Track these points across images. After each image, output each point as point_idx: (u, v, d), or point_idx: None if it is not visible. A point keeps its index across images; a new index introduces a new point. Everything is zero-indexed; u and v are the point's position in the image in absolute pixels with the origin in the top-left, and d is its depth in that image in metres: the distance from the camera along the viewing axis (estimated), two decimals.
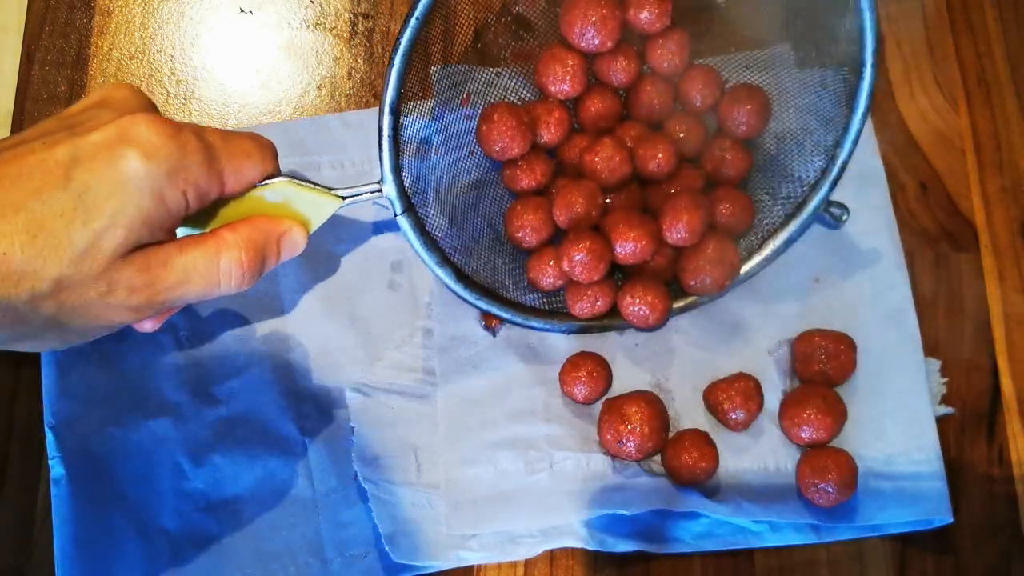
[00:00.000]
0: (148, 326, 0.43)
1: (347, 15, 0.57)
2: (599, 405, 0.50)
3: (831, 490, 0.46)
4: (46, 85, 0.57)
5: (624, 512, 0.46)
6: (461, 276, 0.49)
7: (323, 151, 0.54)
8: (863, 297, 0.52)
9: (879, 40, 0.45)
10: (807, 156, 0.51)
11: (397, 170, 0.46)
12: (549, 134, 0.51)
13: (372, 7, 0.57)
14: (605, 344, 0.51)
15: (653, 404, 0.48)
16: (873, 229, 0.53)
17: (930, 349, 0.51)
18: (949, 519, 0.48)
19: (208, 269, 0.40)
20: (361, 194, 0.45)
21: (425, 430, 0.50)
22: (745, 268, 0.51)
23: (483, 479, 0.49)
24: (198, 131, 0.39)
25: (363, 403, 0.50)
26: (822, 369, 0.49)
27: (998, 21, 0.59)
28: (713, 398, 0.49)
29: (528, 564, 0.48)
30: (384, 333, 0.51)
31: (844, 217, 0.51)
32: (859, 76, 0.47)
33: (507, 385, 0.50)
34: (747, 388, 0.49)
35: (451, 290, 0.49)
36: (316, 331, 0.52)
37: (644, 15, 0.49)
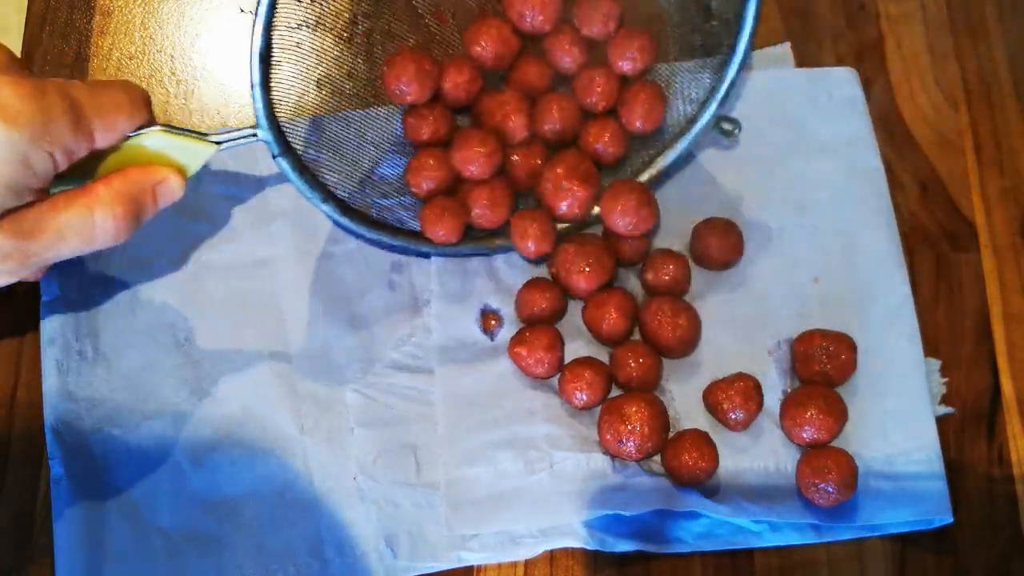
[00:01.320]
0: (29, 279, 0.43)
1: (347, 15, 0.57)
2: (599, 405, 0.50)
3: (831, 490, 0.46)
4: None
5: (624, 512, 0.46)
6: (347, 210, 0.50)
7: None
8: (863, 297, 0.52)
9: None
10: (697, 75, 0.52)
11: (271, 114, 0.46)
12: (455, 86, 0.51)
13: (372, 7, 0.57)
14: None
15: (653, 404, 0.48)
16: (873, 229, 0.53)
17: (930, 349, 0.51)
18: (949, 519, 0.48)
19: (82, 226, 0.40)
20: (235, 139, 0.46)
21: (425, 430, 0.50)
22: (643, 177, 0.53)
23: (483, 479, 0.49)
24: (63, 88, 0.38)
25: (363, 403, 0.50)
26: (822, 369, 0.49)
27: (998, 21, 0.59)
28: (713, 398, 0.49)
29: (528, 564, 0.48)
30: (384, 333, 0.51)
31: (736, 131, 0.52)
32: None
33: (506, 385, 0.50)
34: (747, 388, 0.49)
35: (337, 223, 0.50)
36: (316, 331, 0.52)
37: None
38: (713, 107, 0.52)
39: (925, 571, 0.48)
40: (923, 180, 0.56)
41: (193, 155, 0.45)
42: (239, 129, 0.46)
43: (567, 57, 0.51)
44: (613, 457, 0.49)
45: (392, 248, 0.52)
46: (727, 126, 0.53)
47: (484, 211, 0.50)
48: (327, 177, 0.50)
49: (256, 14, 0.44)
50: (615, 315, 0.49)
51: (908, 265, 0.53)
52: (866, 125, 0.55)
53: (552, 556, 0.48)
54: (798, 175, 0.54)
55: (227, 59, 0.57)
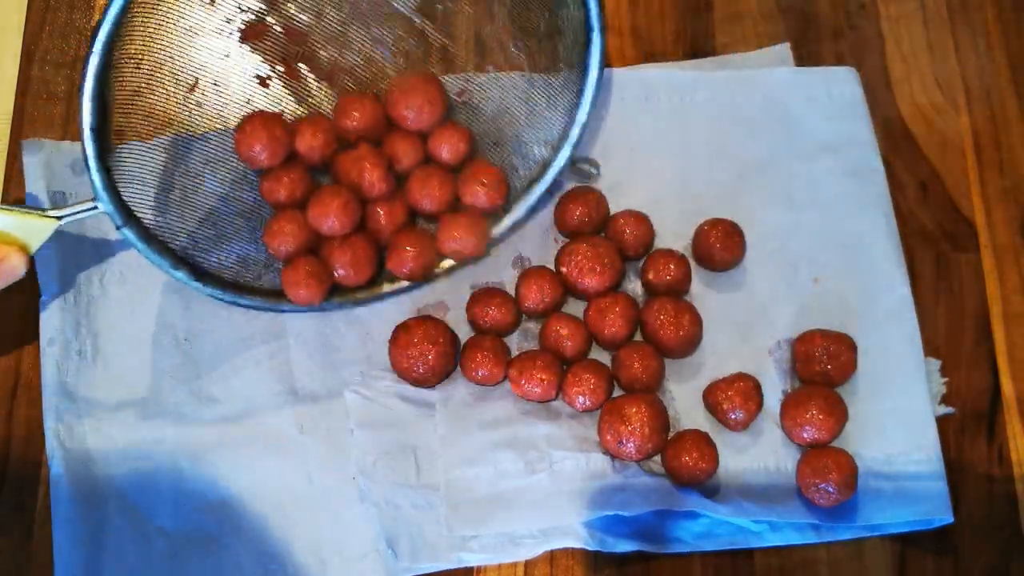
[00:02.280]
0: None
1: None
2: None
3: (831, 490, 0.46)
4: (46, 85, 0.57)
5: (624, 513, 0.46)
6: (201, 274, 0.49)
7: None
8: (863, 297, 0.52)
9: (603, 7, 0.46)
10: (548, 123, 0.52)
11: (111, 186, 0.45)
12: (310, 149, 0.50)
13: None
14: None
15: (653, 405, 0.48)
16: (873, 229, 0.53)
17: (930, 349, 0.51)
18: (949, 519, 0.48)
19: None
20: (76, 212, 0.45)
21: (424, 430, 0.50)
22: (498, 229, 0.52)
23: (483, 479, 0.49)
24: None
25: (362, 404, 0.50)
26: (822, 369, 0.49)
27: (998, 21, 0.59)
28: (713, 398, 0.49)
29: (528, 564, 0.48)
30: (383, 334, 0.51)
31: (594, 172, 0.53)
32: (588, 40, 0.48)
33: (505, 385, 0.50)
34: (747, 388, 0.49)
35: (192, 287, 0.49)
36: (315, 331, 0.52)
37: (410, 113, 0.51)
38: (567, 150, 0.52)
39: (925, 571, 0.48)
40: (923, 180, 0.56)
41: (34, 231, 0.45)
42: (80, 203, 0.45)
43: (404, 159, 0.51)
44: (613, 457, 0.49)
45: (252, 307, 0.51)
46: (584, 167, 0.53)
47: (347, 270, 0.49)
48: (181, 240, 0.49)
49: (82, 91, 0.43)
50: (620, 322, 0.49)
51: (908, 265, 0.53)
52: (866, 125, 0.55)
53: (552, 556, 0.48)
54: (798, 175, 0.54)
55: (226, 59, 0.57)
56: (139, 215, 0.47)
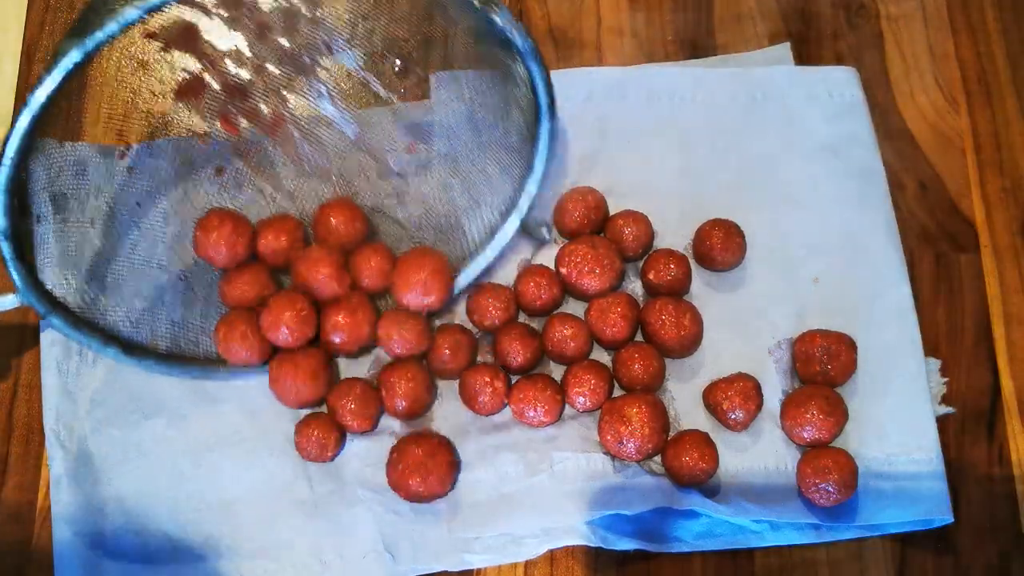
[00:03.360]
0: None
1: (347, 15, 0.56)
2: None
3: (832, 490, 0.46)
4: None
5: (625, 512, 0.46)
6: (132, 348, 0.49)
7: None
8: (863, 297, 0.52)
9: (551, 91, 0.46)
10: (498, 188, 0.51)
11: (32, 281, 0.45)
12: (273, 252, 0.50)
13: (372, 7, 0.57)
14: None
15: (654, 405, 0.48)
16: (873, 229, 0.53)
17: (930, 349, 0.51)
18: (949, 519, 0.48)
19: None
20: None
21: None
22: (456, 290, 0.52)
23: (484, 482, 0.49)
24: None
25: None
26: (823, 369, 0.49)
27: (998, 21, 0.59)
28: (713, 398, 0.49)
29: (528, 564, 0.48)
30: None
31: (547, 235, 0.52)
32: (538, 121, 0.47)
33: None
34: (747, 388, 0.49)
35: (125, 363, 0.48)
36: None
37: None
38: (514, 218, 0.51)
39: (925, 571, 0.48)
40: (923, 180, 0.56)
41: None
42: (1, 296, 0.45)
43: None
44: (613, 457, 0.49)
45: (191, 376, 0.50)
46: (535, 228, 0.52)
47: (300, 385, 0.48)
48: (117, 314, 0.49)
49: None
50: (621, 322, 0.49)
51: (908, 265, 0.53)
52: (866, 125, 0.55)
53: (552, 557, 0.48)
54: (798, 175, 0.54)
55: (226, 60, 0.57)
56: (64, 298, 0.47)
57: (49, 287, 0.46)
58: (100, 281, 0.48)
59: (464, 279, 0.52)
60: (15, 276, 0.44)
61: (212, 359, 0.51)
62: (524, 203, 0.51)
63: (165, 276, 0.50)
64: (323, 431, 0.48)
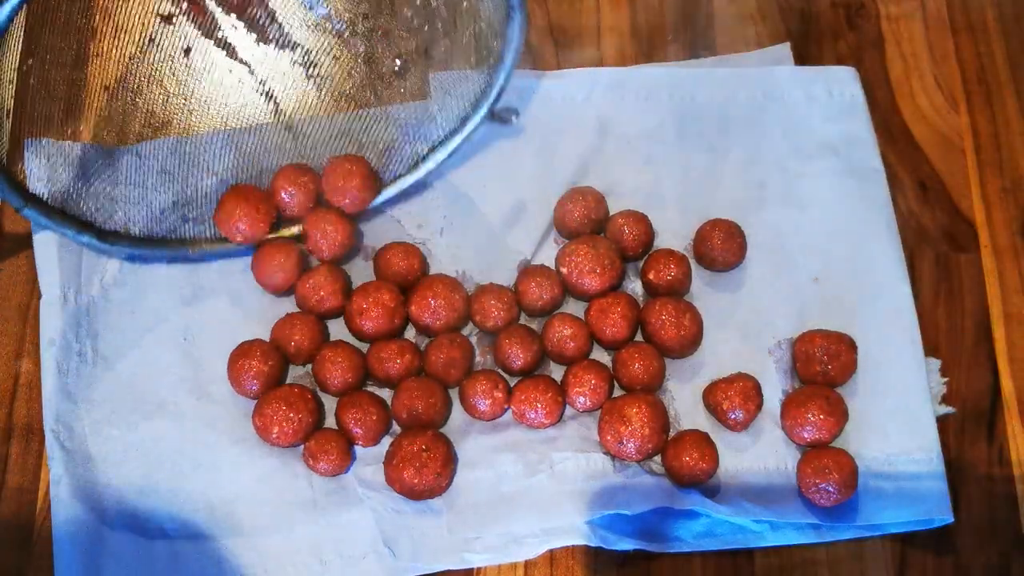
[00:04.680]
0: None
1: (347, 15, 0.56)
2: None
3: (832, 490, 0.46)
4: (46, 85, 0.57)
5: (626, 511, 0.46)
6: (105, 234, 0.50)
7: None
8: (863, 297, 0.52)
9: None
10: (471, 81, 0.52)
11: (7, 178, 0.46)
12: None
13: (372, 7, 0.57)
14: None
15: (654, 405, 0.48)
16: (873, 229, 0.53)
17: (930, 349, 0.51)
18: (949, 519, 0.48)
19: None
20: None
21: None
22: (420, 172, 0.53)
23: (483, 482, 0.49)
24: None
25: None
26: (823, 369, 0.49)
27: (998, 21, 0.59)
28: (713, 398, 0.49)
29: (528, 565, 0.48)
30: None
31: (512, 118, 0.52)
32: (508, 15, 0.48)
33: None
34: (747, 388, 0.49)
35: (100, 249, 0.50)
36: None
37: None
38: (484, 108, 0.52)
39: (925, 571, 0.48)
40: (923, 180, 0.56)
41: None
42: None
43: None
44: (613, 457, 0.49)
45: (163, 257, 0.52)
46: (504, 115, 0.52)
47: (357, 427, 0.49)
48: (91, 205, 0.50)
49: None
50: (621, 322, 0.49)
51: (908, 265, 0.53)
52: (866, 125, 0.55)
53: (552, 557, 0.48)
54: (798, 175, 0.54)
55: (226, 59, 0.57)
56: (39, 190, 0.48)
57: (24, 178, 0.48)
58: (77, 169, 0.50)
59: (433, 162, 0.53)
60: None
61: (187, 240, 0.52)
62: (492, 92, 0.51)
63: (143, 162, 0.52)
64: (338, 453, 0.48)
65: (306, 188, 0.51)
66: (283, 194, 0.51)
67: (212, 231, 0.52)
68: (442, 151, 0.53)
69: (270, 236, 0.52)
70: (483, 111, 0.52)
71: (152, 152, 0.52)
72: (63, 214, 0.49)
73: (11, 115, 0.45)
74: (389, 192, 0.53)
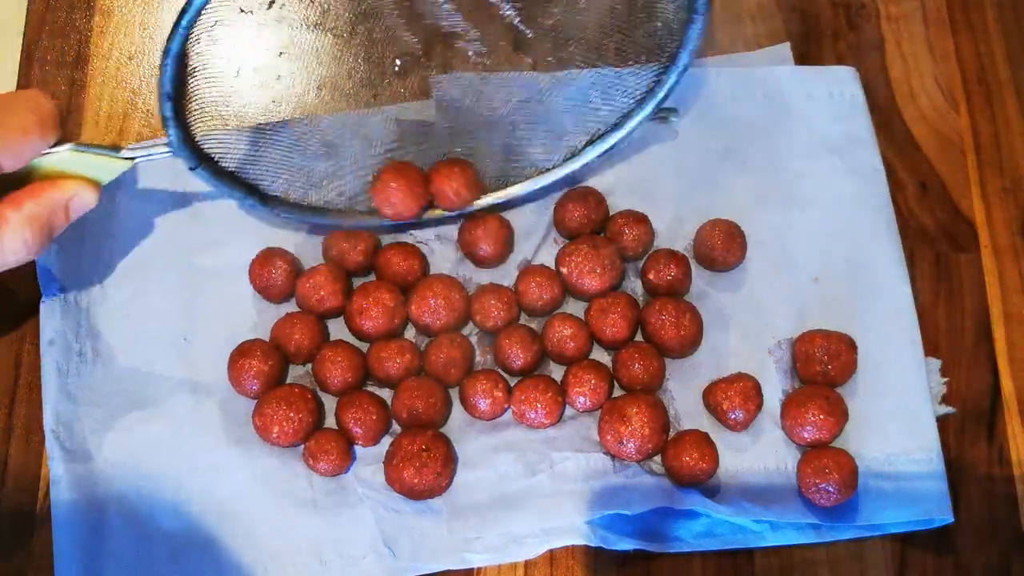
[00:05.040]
0: None
1: (347, 15, 0.56)
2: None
3: (832, 490, 0.46)
4: (46, 85, 0.57)
5: (626, 511, 0.46)
6: (268, 199, 0.51)
7: None
8: (863, 297, 0.52)
9: None
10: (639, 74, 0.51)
11: (186, 135, 0.46)
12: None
13: (372, 7, 0.57)
14: None
15: (654, 405, 0.48)
16: (873, 229, 0.53)
17: (930, 349, 0.51)
18: (950, 519, 0.48)
19: None
20: (151, 155, 0.46)
21: None
22: (576, 166, 0.52)
23: (483, 482, 0.49)
24: None
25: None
26: (823, 369, 0.49)
27: (998, 21, 0.59)
28: (713, 398, 0.49)
29: (528, 565, 0.48)
30: None
31: (671, 117, 0.52)
32: (690, 16, 0.48)
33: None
34: (747, 388, 0.49)
35: (263, 211, 0.51)
36: None
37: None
38: (651, 105, 0.51)
39: (925, 571, 0.48)
40: (923, 180, 0.56)
41: (106, 170, 0.45)
42: (153, 145, 0.46)
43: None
44: (613, 457, 0.49)
45: (324, 225, 0.52)
46: (663, 114, 0.52)
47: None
48: (254, 170, 0.50)
49: (169, 50, 0.44)
50: (621, 322, 0.49)
51: (908, 265, 0.53)
52: (866, 125, 0.55)
53: (552, 557, 0.48)
54: (798, 175, 0.54)
55: (226, 59, 0.57)
56: (210, 151, 0.49)
57: (199, 140, 0.48)
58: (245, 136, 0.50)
59: (591, 155, 0.52)
60: (172, 131, 0.46)
61: (342, 210, 0.52)
62: (662, 92, 0.50)
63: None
64: (338, 453, 0.48)
65: (461, 181, 0.51)
66: (444, 187, 0.51)
67: (367, 205, 0.53)
68: (601, 146, 0.52)
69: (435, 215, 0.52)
70: (649, 109, 0.51)
71: (317, 123, 0.52)
72: (232, 177, 0.49)
73: (194, 72, 0.46)
74: (541, 182, 0.53)
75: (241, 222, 0.53)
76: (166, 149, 0.47)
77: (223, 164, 0.49)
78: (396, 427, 0.50)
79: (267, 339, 0.51)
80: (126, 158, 0.45)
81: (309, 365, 0.51)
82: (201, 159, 0.48)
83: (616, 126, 0.52)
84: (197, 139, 0.48)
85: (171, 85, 0.45)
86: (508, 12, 0.50)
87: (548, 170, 0.53)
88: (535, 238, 0.53)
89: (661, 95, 0.50)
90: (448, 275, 0.52)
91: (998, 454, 0.50)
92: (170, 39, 0.44)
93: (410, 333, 0.52)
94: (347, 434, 0.48)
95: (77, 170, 0.44)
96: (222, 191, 0.49)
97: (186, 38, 0.44)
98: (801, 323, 0.51)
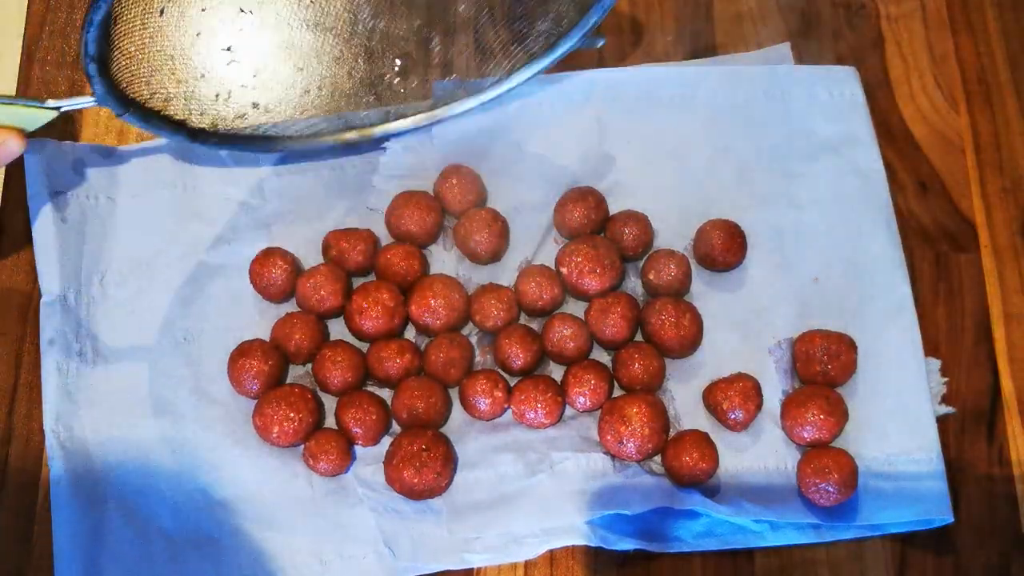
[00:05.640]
0: None
1: (347, 15, 0.56)
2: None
3: (832, 490, 0.46)
4: (46, 85, 0.57)
5: (626, 511, 0.46)
6: (198, 133, 0.51)
7: None
8: (863, 297, 0.52)
9: None
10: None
11: (109, 84, 0.47)
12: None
13: (372, 7, 0.57)
14: None
15: (654, 405, 0.48)
16: (873, 229, 0.53)
17: (930, 349, 0.51)
18: (949, 519, 0.48)
19: None
20: (75, 104, 0.47)
21: None
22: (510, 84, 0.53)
23: (483, 482, 0.49)
24: None
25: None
26: (823, 369, 0.49)
27: (998, 21, 0.59)
28: (713, 398, 0.49)
29: (528, 564, 0.48)
30: None
31: (599, 44, 0.53)
32: None
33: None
34: (746, 388, 0.49)
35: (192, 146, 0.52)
36: None
37: None
38: (579, 32, 0.51)
39: (925, 571, 0.48)
40: (923, 180, 0.56)
41: (32, 120, 0.46)
42: (78, 98, 0.47)
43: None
44: (613, 457, 0.49)
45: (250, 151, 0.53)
46: (592, 40, 0.52)
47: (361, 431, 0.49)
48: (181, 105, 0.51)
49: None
50: (621, 322, 0.49)
51: (908, 265, 0.53)
52: (866, 125, 0.55)
53: (552, 557, 0.48)
54: (798, 175, 0.54)
55: (227, 59, 0.57)
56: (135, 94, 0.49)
57: (123, 87, 0.48)
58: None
59: (517, 79, 0.53)
60: (96, 90, 0.46)
61: (271, 136, 0.53)
62: (589, 20, 0.51)
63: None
64: (338, 453, 0.48)
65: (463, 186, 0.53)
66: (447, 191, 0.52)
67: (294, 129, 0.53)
68: (528, 70, 0.53)
69: None
70: (578, 35, 0.51)
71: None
72: (160, 116, 0.50)
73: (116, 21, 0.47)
74: (482, 99, 0.54)
75: (243, 221, 0.53)
76: (92, 99, 0.47)
77: (149, 105, 0.50)
78: (396, 427, 0.50)
79: (267, 339, 0.51)
80: (51, 108, 0.46)
81: (309, 365, 0.51)
82: (127, 105, 0.48)
83: (543, 53, 0.52)
84: (123, 87, 0.48)
85: (94, 47, 0.45)
86: None
87: (482, 91, 0.53)
88: (535, 238, 0.53)
89: (592, 21, 0.51)
90: (448, 275, 0.52)
91: (998, 454, 0.50)
92: (94, 10, 0.44)
93: (410, 333, 0.52)
94: (347, 434, 0.48)
95: (3, 121, 0.46)
96: (151, 131, 0.50)
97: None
98: (801, 323, 0.51)
